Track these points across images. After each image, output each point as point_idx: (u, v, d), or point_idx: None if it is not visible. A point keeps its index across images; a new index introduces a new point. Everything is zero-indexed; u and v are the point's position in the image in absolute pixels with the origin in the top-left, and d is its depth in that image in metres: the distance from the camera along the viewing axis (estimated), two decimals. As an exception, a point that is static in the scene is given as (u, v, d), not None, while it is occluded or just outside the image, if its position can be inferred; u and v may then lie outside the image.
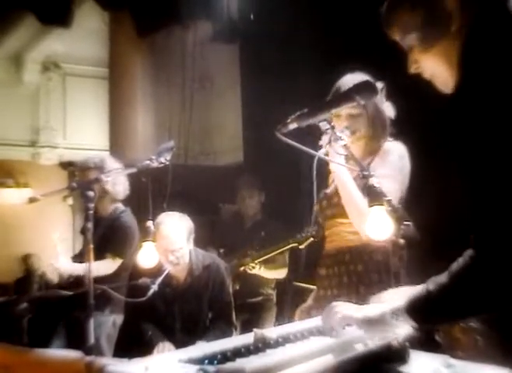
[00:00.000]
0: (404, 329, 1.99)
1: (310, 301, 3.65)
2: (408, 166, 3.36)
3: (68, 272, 5.05)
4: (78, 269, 4.84)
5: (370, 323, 2.01)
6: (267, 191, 6.46)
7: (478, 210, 1.79)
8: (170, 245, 4.74)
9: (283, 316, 4.00)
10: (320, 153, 3.13)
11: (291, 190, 3.45)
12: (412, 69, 2.07)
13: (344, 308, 2.10)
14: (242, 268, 5.34)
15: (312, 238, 4.09)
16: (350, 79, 3.35)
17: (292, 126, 2.74)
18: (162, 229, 4.71)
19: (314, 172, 3.07)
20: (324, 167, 3.31)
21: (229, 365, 1.62)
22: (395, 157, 3.35)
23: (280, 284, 6.10)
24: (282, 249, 4.69)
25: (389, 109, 3.46)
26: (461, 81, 1.93)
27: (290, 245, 4.48)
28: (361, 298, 3.21)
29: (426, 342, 2.15)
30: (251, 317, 6.07)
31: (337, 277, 3.44)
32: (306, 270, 3.88)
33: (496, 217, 1.75)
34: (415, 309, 1.91)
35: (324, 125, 2.94)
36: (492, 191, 1.75)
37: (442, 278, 1.85)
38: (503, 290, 1.75)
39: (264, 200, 6.50)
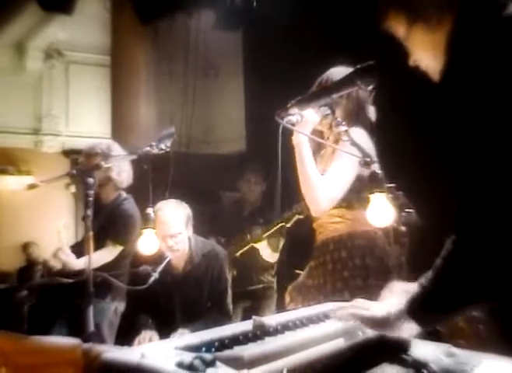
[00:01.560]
0: (409, 329, 1.98)
1: (301, 278, 3.67)
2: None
3: (74, 267, 5.01)
4: (81, 263, 4.81)
5: (376, 323, 2.01)
6: (268, 180, 6.46)
7: (460, 193, 1.80)
8: (169, 230, 4.77)
9: (284, 304, 4.00)
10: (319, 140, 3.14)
11: (293, 179, 3.46)
12: (411, 62, 2.09)
13: (354, 305, 2.09)
14: (243, 250, 5.36)
15: (298, 215, 4.12)
16: (338, 71, 3.37)
17: (293, 111, 2.73)
18: (160, 215, 4.74)
19: (279, 147, 3.07)
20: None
21: (226, 353, 1.61)
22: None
23: (280, 271, 6.10)
24: (271, 230, 4.73)
25: (372, 113, 3.46)
26: (446, 68, 1.95)
27: (279, 225, 4.52)
28: (345, 283, 3.25)
29: (427, 331, 2.12)
30: (252, 305, 6.08)
31: (322, 265, 3.50)
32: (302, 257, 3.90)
33: (476, 200, 1.76)
34: (415, 310, 1.90)
35: (324, 110, 2.93)
36: (473, 176, 1.77)
37: (432, 270, 1.84)
38: (489, 272, 1.75)
39: (265, 188, 6.51)
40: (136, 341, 4.64)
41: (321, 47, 5.85)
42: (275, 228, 4.70)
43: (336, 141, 3.29)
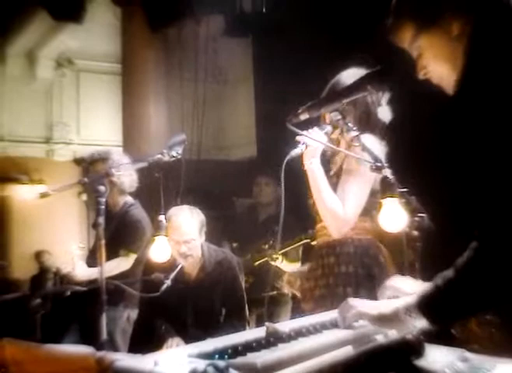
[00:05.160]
0: (419, 324, 1.97)
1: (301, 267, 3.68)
2: None
3: (85, 278, 5.05)
4: (94, 273, 4.81)
5: (385, 320, 2.00)
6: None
7: (481, 203, 1.80)
8: (182, 236, 4.75)
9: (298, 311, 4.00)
10: (327, 143, 3.14)
11: (305, 185, 3.45)
12: (421, 75, 2.08)
13: (359, 305, 2.09)
14: (262, 260, 5.34)
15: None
16: (348, 75, 3.37)
17: (304, 116, 2.73)
18: (173, 221, 4.72)
19: (282, 174, 3.08)
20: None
21: (240, 360, 1.60)
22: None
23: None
24: (295, 245, 4.69)
25: (385, 114, 3.44)
26: (463, 81, 1.94)
27: (303, 241, 4.50)
28: (329, 290, 3.26)
29: (441, 335, 2.12)
30: (266, 311, 6.06)
31: (314, 270, 3.51)
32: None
33: (498, 209, 1.76)
34: (426, 306, 1.90)
35: (335, 115, 2.93)
36: (494, 186, 1.77)
37: (449, 272, 1.84)
38: (508, 281, 1.76)
39: (278, 195, 6.50)
40: (164, 348, 4.62)
41: (331, 52, 5.84)
42: (299, 244, 4.67)
43: (348, 147, 3.28)
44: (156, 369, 1.51)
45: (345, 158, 3.36)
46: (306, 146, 3.15)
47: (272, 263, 5.06)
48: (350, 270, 3.33)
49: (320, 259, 3.46)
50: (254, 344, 1.75)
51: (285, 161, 3.08)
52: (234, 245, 6.14)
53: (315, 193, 3.35)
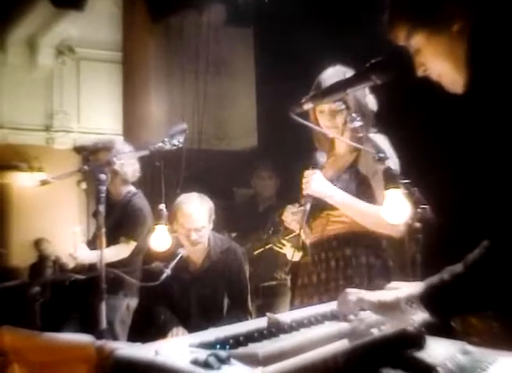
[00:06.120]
0: (419, 316, 1.96)
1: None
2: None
3: (86, 261, 5.05)
4: (95, 257, 4.81)
5: (385, 308, 1.98)
6: (281, 176, 6.46)
7: (493, 202, 1.78)
8: (193, 223, 4.75)
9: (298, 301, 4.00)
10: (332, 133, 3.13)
11: (308, 169, 3.48)
12: (419, 72, 2.06)
13: (359, 294, 2.07)
14: (263, 249, 5.34)
15: None
16: (333, 73, 3.37)
17: (307, 106, 2.72)
18: (184, 208, 4.74)
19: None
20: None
21: (241, 350, 1.58)
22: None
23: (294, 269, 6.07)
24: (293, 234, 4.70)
25: (372, 102, 3.43)
26: (471, 81, 1.92)
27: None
28: (349, 282, 3.24)
29: (441, 328, 2.11)
30: (265, 302, 6.06)
31: (324, 262, 3.48)
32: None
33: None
34: (429, 297, 1.89)
35: (339, 105, 2.92)
36: (506, 186, 1.74)
37: (457, 268, 1.83)
38: None
39: (279, 185, 6.50)
40: (169, 337, 4.63)
41: (333, 43, 5.82)
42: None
43: (352, 138, 3.28)
44: (157, 358, 1.50)
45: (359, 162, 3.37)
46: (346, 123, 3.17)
47: (278, 249, 5.06)
48: (369, 260, 3.32)
49: (330, 252, 3.45)
50: (255, 334, 1.73)
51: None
52: (233, 234, 6.14)
53: (357, 217, 3.35)
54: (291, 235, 5.05)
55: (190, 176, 4.43)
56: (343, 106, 2.94)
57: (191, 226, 4.74)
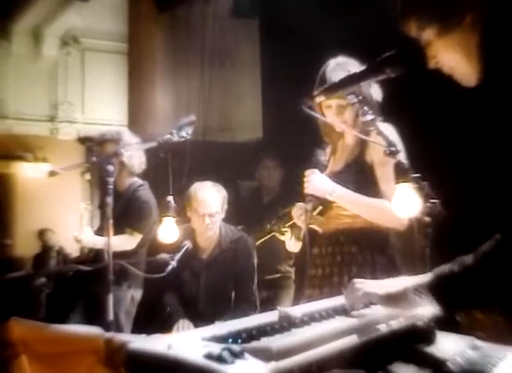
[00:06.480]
0: (428, 308, 1.96)
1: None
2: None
3: (90, 244, 5.08)
4: (100, 242, 4.82)
5: (393, 300, 1.98)
6: (286, 168, 6.45)
7: (503, 196, 1.78)
8: (208, 208, 4.86)
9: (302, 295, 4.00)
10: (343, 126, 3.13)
11: (309, 167, 3.46)
12: (431, 64, 2.04)
13: (366, 285, 2.07)
14: (266, 238, 5.35)
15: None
16: (338, 65, 3.36)
17: (320, 99, 2.71)
18: (198, 194, 4.87)
19: None
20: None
21: (254, 344, 1.58)
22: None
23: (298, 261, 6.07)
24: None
25: (376, 93, 3.42)
26: (483, 73, 1.91)
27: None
28: (352, 278, 3.23)
29: (446, 322, 2.11)
30: (269, 295, 6.05)
31: (330, 256, 3.50)
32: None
33: None
34: (438, 287, 1.89)
35: (351, 98, 2.91)
36: None
37: (468, 259, 1.83)
38: None
39: (283, 177, 6.49)
40: (175, 329, 4.71)
41: (339, 36, 5.80)
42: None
43: (362, 131, 3.27)
44: (170, 352, 1.50)
45: (367, 151, 3.37)
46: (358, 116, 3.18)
47: (281, 237, 5.06)
48: (374, 258, 3.32)
49: (337, 247, 3.44)
50: (267, 329, 1.73)
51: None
52: (239, 227, 6.13)
53: (361, 212, 3.37)
54: (290, 223, 5.07)
55: (194, 167, 4.43)
56: (355, 100, 2.93)
57: (205, 211, 4.85)
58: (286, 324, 1.81)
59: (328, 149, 3.67)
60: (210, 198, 4.88)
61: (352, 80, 2.79)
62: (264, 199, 6.56)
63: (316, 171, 3.36)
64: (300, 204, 3.52)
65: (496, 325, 3.37)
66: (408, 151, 3.17)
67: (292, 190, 6.21)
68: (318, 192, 3.36)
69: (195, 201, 4.85)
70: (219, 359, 1.43)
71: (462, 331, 2.43)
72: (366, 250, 3.36)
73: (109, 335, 2.11)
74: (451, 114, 4.16)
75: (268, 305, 5.66)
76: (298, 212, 3.53)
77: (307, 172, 3.38)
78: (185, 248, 4.63)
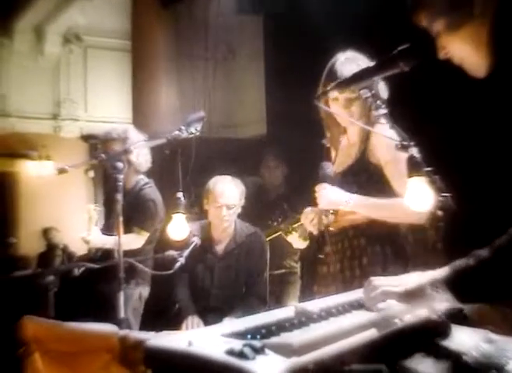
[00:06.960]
0: (445, 302, 1.95)
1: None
2: None
3: (99, 244, 5.07)
4: (108, 241, 4.82)
5: (410, 296, 1.99)
6: (290, 164, 6.45)
7: None
8: (226, 199, 4.95)
9: (307, 291, 3.99)
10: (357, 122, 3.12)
11: (314, 163, 3.43)
12: (441, 55, 2.04)
13: (383, 283, 2.06)
14: (277, 234, 5.36)
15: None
16: (347, 60, 3.35)
17: (333, 94, 2.70)
18: (217, 187, 4.96)
19: None
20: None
21: (275, 340, 1.58)
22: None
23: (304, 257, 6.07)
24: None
25: (383, 90, 3.41)
26: (494, 64, 1.91)
27: None
28: (363, 270, 3.24)
29: (454, 315, 2.10)
30: (274, 290, 6.05)
31: (340, 252, 3.49)
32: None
33: None
34: (455, 281, 1.89)
35: (364, 93, 2.90)
36: None
37: (483, 252, 1.83)
38: None
39: (288, 173, 6.49)
40: (183, 326, 4.73)
41: (343, 30, 5.78)
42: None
43: (369, 125, 3.26)
44: (191, 348, 1.49)
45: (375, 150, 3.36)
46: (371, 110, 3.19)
47: (287, 238, 5.07)
48: (384, 248, 3.32)
49: (346, 241, 3.44)
50: (286, 324, 1.73)
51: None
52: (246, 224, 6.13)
53: (380, 216, 3.35)
54: (298, 224, 5.06)
55: (198, 164, 4.43)
56: (369, 94, 2.92)
57: (222, 202, 4.93)
58: (304, 319, 1.81)
59: (329, 141, 3.65)
60: (229, 190, 4.97)
61: (367, 74, 2.79)
62: (269, 195, 6.56)
63: (326, 185, 3.35)
64: (310, 209, 3.52)
65: (506, 317, 3.36)
66: (419, 145, 3.16)
67: (297, 188, 6.24)
68: (333, 205, 3.37)
69: (214, 193, 4.94)
70: (241, 355, 1.43)
71: (469, 324, 2.42)
72: (375, 242, 3.35)
73: (123, 332, 2.10)
74: (460, 106, 4.14)
75: (273, 300, 5.67)
76: (309, 217, 3.53)
77: (317, 188, 3.38)
78: (193, 244, 4.63)
